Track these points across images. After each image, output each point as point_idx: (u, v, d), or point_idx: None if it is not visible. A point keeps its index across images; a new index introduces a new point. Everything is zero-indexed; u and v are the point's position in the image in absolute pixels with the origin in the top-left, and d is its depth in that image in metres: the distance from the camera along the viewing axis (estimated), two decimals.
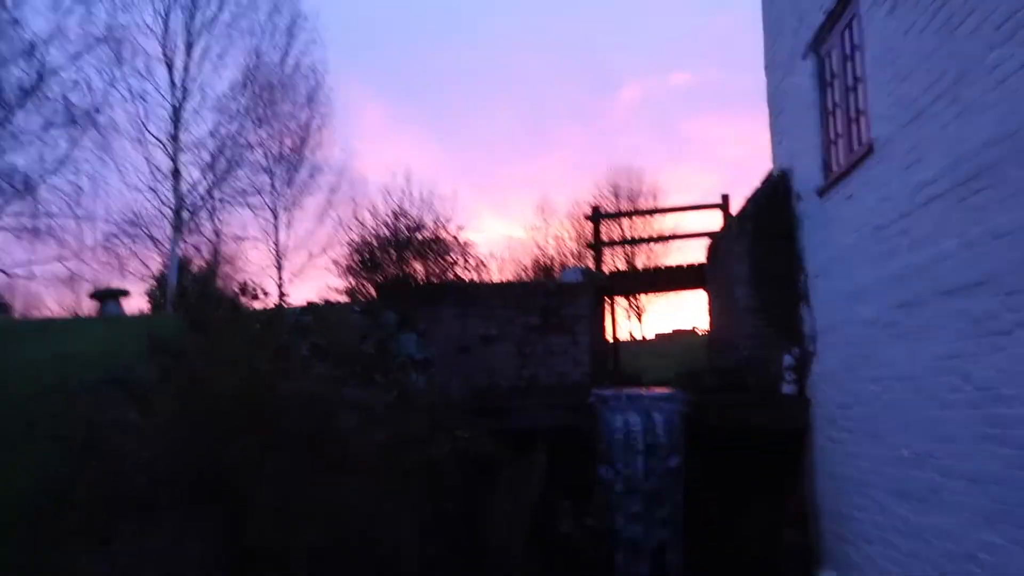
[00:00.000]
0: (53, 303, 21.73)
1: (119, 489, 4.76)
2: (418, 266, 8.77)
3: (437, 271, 8.87)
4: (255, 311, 7.07)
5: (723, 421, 7.77)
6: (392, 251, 8.80)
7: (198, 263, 19.54)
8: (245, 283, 7.12)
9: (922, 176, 5.14)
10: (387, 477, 5.55)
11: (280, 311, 7.91)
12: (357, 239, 9.27)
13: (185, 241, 18.48)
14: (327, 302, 8.82)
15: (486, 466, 6.61)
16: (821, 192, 7.27)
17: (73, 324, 11.90)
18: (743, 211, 9.05)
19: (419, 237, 9.04)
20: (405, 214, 9.13)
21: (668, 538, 7.57)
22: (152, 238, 18.44)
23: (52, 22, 16.13)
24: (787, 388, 8.01)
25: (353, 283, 9.00)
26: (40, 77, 15.91)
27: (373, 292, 9.02)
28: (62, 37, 16.21)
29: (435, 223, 9.16)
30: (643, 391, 8.45)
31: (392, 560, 5.49)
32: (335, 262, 9.18)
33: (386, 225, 9.04)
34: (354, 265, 8.92)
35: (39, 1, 15.99)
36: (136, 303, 18.97)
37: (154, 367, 5.83)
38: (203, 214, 18.61)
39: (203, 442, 4.96)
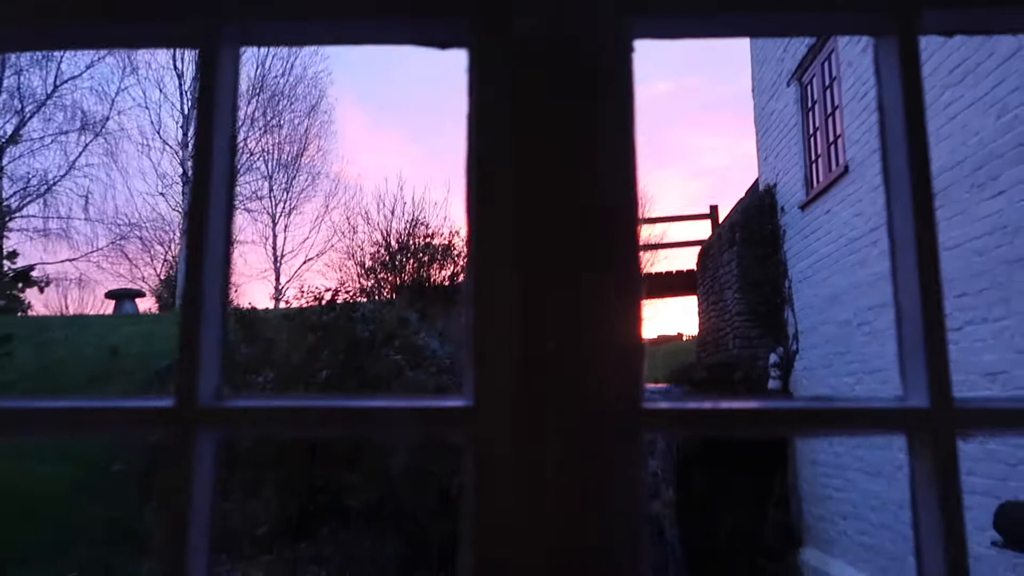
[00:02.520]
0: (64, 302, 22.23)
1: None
2: (434, 269, 9.50)
3: (451, 274, 9.60)
4: (296, 309, 7.76)
5: None
6: (410, 255, 9.53)
7: None
8: None
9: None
10: (424, 457, 6.28)
11: (304, 310, 8.61)
12: (380, 241, 10.00)
13: None
14: (348, 301, 9.53)
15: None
16: (803, 206, 8.09)
17: (99, 321, 12.50)
18: (731, 221, 9.87)
19: (434, 243, 9.78)
20: (424, 223, 9.90)
21: (665, 516, 8.34)
22: (160, 242, 19.09)
23: None
24: (772, 383, 8.82)
25: (372, 283, 9.71)
26: (55, 85, 16.56)
27: (390, 293, 9.73)
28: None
29: (449, 231, 9.92)
30: (651, 386, 9.25)
31: (419, 526, 6.21)
32: (360, 263, 9.88)
33: (407, 233, 9.79)
34: (376, 266, 9.64)
35: None
36: (142, 303, 19.57)
37: None
38: None
39: None
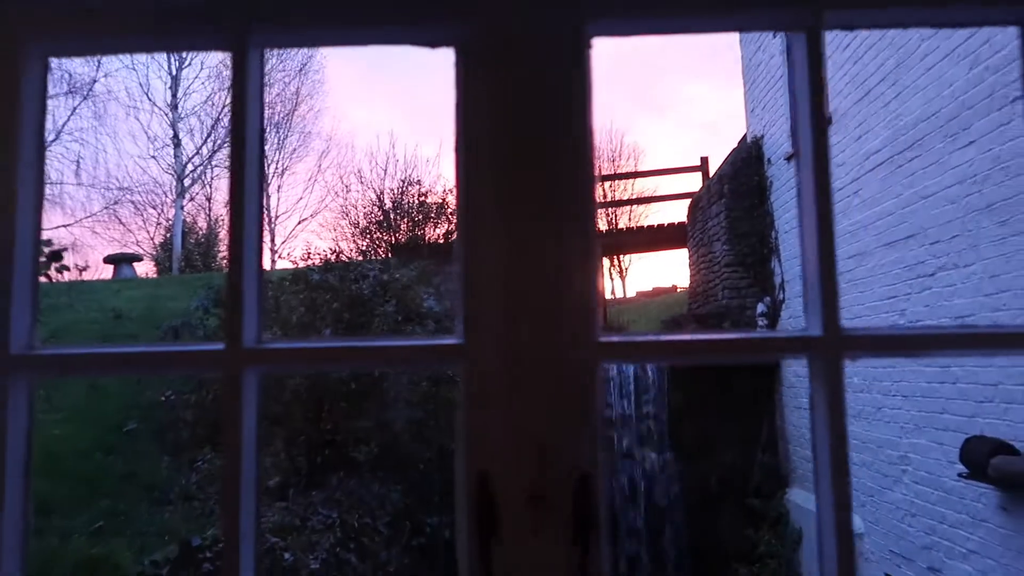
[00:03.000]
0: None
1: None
2: (429, 227, 9.66)
3: (445, 232, 9.76)
4: (294, 270, 7.94)
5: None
6: (404, 214, 9.67)
7: (198, 229, 20.27)
8: None
9: (869, 146, 6.12)
10: (425, 410, 6.54)
11: (301, 270, 8.80)
12: (374, 200, 10.13)
13: (183, 208, 19.18)
14: (342, 261, 9.71)
15: None
16: (789, 158, 8.24)
17: (99, 286, 12.66)
18: (720, 174, 10.02)
19: (428, 201, 9.92)
20: (418, 182, 10.02)
21: (659, 459, 8.67)
22: (153, 206, 19.12)
23: None
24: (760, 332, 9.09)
25: (368, 242, 9.88)
26: None
27: (385, 252, 9.90)
28: None
29: (443, 189, 10.06)
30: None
31: (423, 475, 6.52)
32: (354, 223, 10.03)
33: (401, 191, 9.92)
34: (371, 225, 9.79)
35: None
36: (139, 267, 19.69)
37: (215, 318, 6.74)
38: (201, 182, 19.31)
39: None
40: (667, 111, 36.07)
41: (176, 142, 18.24)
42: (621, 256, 27.27)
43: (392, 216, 9.79)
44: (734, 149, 9.99)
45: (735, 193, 9.31)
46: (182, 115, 18.39)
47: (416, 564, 5.61)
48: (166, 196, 18.67)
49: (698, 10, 1.00)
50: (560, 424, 0.94)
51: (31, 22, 1.02)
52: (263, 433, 5.07)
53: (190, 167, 18.50)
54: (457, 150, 1.02)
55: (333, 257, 8.84)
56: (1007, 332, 0.92)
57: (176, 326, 6.80)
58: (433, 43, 1.07)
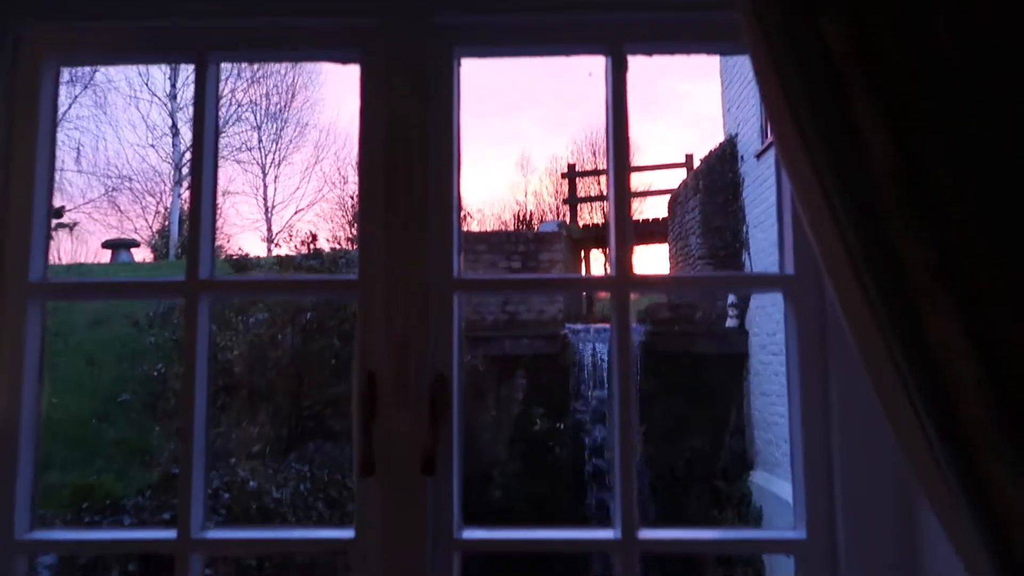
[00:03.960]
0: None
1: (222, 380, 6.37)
2: None
3: None
4: (287, 257, 8.33)
5: (675, 348, 9.20)
6: None
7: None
8: None
9: None
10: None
11: (290, 257, 9.18)
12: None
13: (180, 196, 19.50)
14: (333, 249, 10.07)
15: (478, 387, 8.02)
16: (759, 155, 8.61)
17: (97, 269, 13.01)
18: (697, 170, 10.39)
19: None
20: None
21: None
22: (151, 193, 19.46)
23: None
24: (731, 322, 9.47)
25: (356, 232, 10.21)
26: None
27: None
28: None
29: None
30: (608, 325, 9.86)
31: None
32: (350, 211, 10.34)
33: None
34: (355, 219, 10.12)
35: None
36: (137, 253, 20.04)
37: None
38: None
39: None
40: (666, 109, 36.40)
41: (175, 131, 18.57)
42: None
43: None
44: (713, 149, 10.36)
45: (709, 189, 9.68)
46: (181, 105, 18.71)
47: None
48: (164, 184, 19.03)
49: (530, 44, 1.38)
50: (423, 336, 1.31)
51: (50, 41, 1.39)
52: (246, 406, 5.42)
53: (188, 156, 18.82)
54: (360, 145, 1.40)
55: (326, 245, 9.21)
56: (738, 275, 1.26)
57: (173, 306, 7.19)
58: (344, 61, 1.45)
